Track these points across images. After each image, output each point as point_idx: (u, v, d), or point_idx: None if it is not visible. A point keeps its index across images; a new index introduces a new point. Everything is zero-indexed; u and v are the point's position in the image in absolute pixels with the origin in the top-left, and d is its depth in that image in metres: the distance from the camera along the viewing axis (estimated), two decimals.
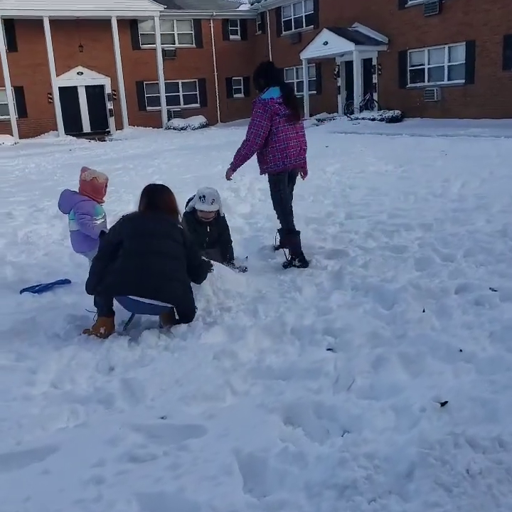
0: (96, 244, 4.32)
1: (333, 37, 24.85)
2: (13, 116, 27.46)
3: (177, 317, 3.98)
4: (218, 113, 33.12)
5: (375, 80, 25.53)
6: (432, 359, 3.15)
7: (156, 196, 4.12)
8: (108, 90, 30.45)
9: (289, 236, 5.25)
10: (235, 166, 5.18)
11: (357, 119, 23.37)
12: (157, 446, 2.53)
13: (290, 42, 29.55)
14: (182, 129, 29.65)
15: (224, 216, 5.35)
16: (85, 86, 29.98)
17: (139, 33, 30.89)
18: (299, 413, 2.74)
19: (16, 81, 27.66)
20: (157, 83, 30.44)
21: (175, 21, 31.59)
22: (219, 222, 5.24)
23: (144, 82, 31.20)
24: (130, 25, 30.41)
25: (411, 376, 3.03)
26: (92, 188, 4.83)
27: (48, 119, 28.65)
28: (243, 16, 33.48)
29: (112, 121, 30.54)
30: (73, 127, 29.34)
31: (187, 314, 3.93)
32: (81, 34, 28.77)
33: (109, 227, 4.53)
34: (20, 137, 27.45)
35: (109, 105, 30.52)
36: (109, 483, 2.28)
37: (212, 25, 32.19)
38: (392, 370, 3.09)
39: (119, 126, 30.10)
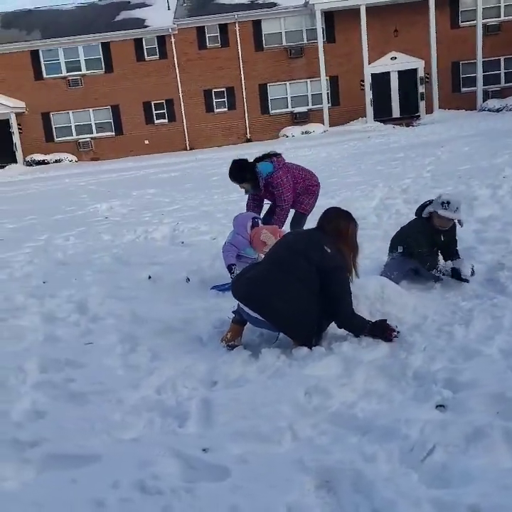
0: None
1: None
2: (325, 105, 28.98)
3: None
4: None
5: None
6: None
7: (325, 219, 3.92)
8: (421, 73, 29.71)
9: None
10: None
11: None
12: (173, 480, 2.44)
13: None
14: (498, 110, 27.27)
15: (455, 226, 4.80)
16: (398, 71, 29.77)
17: (459, 9, 29.27)
18: (337, 479, 2.34)
19: (331, 71, 29.02)
20: (475, 62, 28.54)
21: None
22: (451, 232, 4.76)
23: (461, 62, 29.55)
24: (450, 2, 29.03)
25: (493, 466, 2.31)
26: (257, 244, 5.00)
27: (359, 106, 29.41)
28: None
29: (422, 105, 29.85)
30: (383, 113, 29.56)
31: (297, 340, 3.65)
32: (396, 18, 28.60)
33: None
34: (331, 125, 28.84)
35: (421, 89, 29.81)
36: (104, 509, 2.31)
37: None
38: (486, 450, 2.40)
39: (430, 110, 29.23)
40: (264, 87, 30.12)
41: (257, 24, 29.48)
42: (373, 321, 3.74)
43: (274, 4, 29.30)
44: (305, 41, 29.54)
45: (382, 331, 3.64)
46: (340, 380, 3.20)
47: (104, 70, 29.69)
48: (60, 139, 30.13)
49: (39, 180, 21.52)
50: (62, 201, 14.09)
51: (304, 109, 30.15)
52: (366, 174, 12.12)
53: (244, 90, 29.98)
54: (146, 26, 29.29)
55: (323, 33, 28.61)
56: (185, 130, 30.05)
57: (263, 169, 5.48)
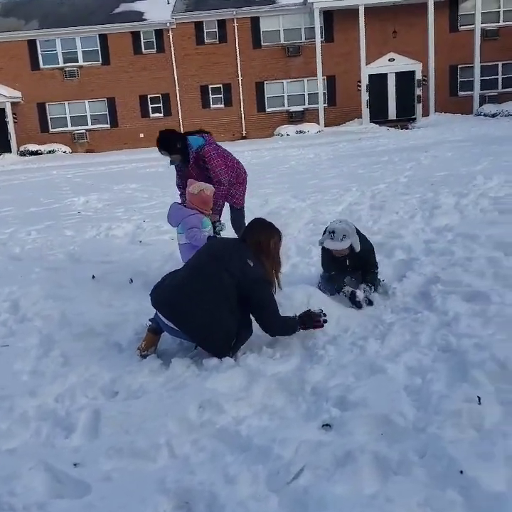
0: None
1: None
2: (321, 105, 28.86)
3: None
4: None
5: None
6: (421, 474, 2.30)
7: (248, 231, 3.87)
8: (418, 76, 29.59)
9: None
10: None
11: None
12: (33, 496, 2.39)
13: None
14: (493, 115, 27.14)
15: (370, 250, 4.63)
16: (395, 72, 29.65)
17: (459, 13, 29.12)
18: (195, 501, 2.29)
19: (329, 70, 28.90)
20: (472, 66, 28.40)
21: None
22: (360, 257, 4.53)
23: (458, 66, 29.42)
24: (449, 6, 28.87)
25: (355, 493, 2.26)
26: (200, 200, 4.82)
27: (355, 106, 29.31)
28: None
29: (418, 108, 29.73)
30: (379, 114, 29.46)
31: (211, 352, 3.60)
32: (395, 20, 28.46)
33: None
34: (326, 125, 28.73)
35: (418, 91, 29.69)
36: None
37: None
38: (353, 474, 2.35)
39: (426, 113, 29.10)
40: (260, 85, 30.01)
41: (255, 21, 29.35)
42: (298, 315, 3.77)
43: (273, 1, 29.17)
44: (303, 40, 29.43)
45: (310, 321, 3.71)
46: (239, 394, 3.15)
47: (101, 61, 29.60)
48: (55, 129, 30.06)
49: (28, 171, 21.47)
50: (42, 193, 14.06)
51: (300, 108, 30.05)
52: (345, 177, 12.04)
53: (240, 87, 29.87)
54: (144, 19, 29.19)
55: (321, 32, 28.48)
56: (181, 125, 29.92)
57: (193, 142, 5.34)
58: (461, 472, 2.32)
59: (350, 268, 4.57)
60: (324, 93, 29.30)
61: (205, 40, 29.48)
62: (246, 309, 3.67)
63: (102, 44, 29.37)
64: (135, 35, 29.29)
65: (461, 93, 29.67)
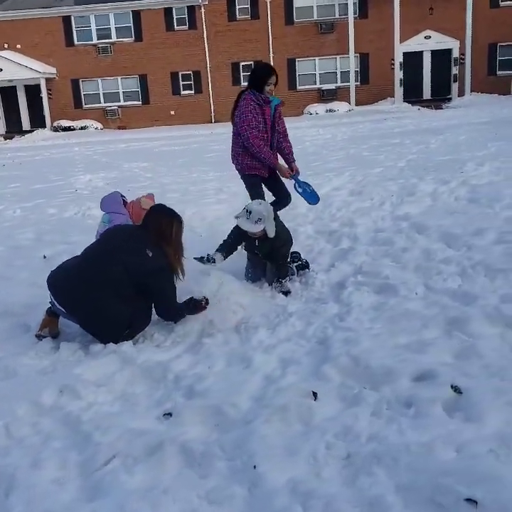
0: None
1: None
2: (352, 83, 28.35)
3: None
4: None
5: None
6: (222, 466, 2.33)
7: (148, 218, 3.92)
8: (455, 54, 28.63)
9: None
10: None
11: None
12: None
13: None
14: None
15: (284, 241, 4.55)
16: (431, 50, 28.76)
17: None
18: None
19: (362, 48, 28.31)
20: None
21: None
22: (273, 246, 4.46)
23: (498, 44, 28.31)
24: None
25: (149, 484, 2.32)
26: (138, 216, 4.55)
27: (388, 85, 28.66)
28: None
29: (454, 87, 28.85)
30: (414, 94, 28.74)
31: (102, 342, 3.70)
32: None
33: None
34: (357, 104, 28.23)
35: (455, 70, 28.78)
36: None
37: None
38: (157, 465, 2.41)
39: (461, 92, 28.23)
40: (292, 62, 29.63)
41: None
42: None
43: None
44: (337, 16, 28.80)
45: (194, 307, 3.84)
46: (103, 380, 3.22)
47: (133, 38, 29.75)
48: (88, 105, 30.51)
49: (53, 147, 21.92)
50: (56, 170, 14.36)
51: (331, 86, 29.56)
52: (348, 160, 11.88)
53: (272, 64, 29.52)
54: None
55: (355, 8, 27.84)
56: (211, 102, 29.96)
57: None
58: (255, 467, 2.35)
59: (258, 251, 4.55)
60: (356, 71, 28.75)
61: (237, 17, 29.22)
62: (145, 298, 3.73)
63: (134, 20, 29.48)
64: (167, 12, 29.27)
65: (499, 72, 28.58)
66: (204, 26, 29.18)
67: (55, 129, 29.08)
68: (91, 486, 2.37)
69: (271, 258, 4.54)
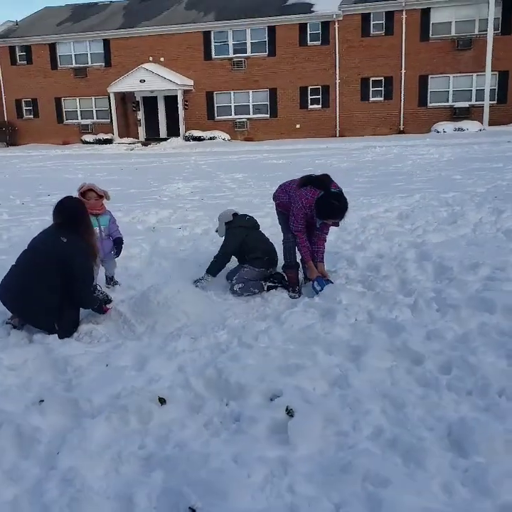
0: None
1: None
2: (487, 101, 26.90)
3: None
4: None
5: None
6: None
7: (59, 209, 4.28)
8: None
9: None
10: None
11: None
12: None
13: None
14: None
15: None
16: None
17: None
18: None
19: (502, 65, 26.81)
20: None
21: None
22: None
23: None
24: None
25: None
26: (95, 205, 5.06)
27: None
28: None
29: None
30: None
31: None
32: None
33: None
34: (491, 124, 26.72)
35: None
36: None
37: None
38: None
39: None
40: (424, 79, 28.77)
41: (425, 12, 28.14)
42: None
43: None
44: (476, 32, 27.52)
45: (100, 308, 4.35)
46: (13, 370, 3.54)
47: (267, 53, 30.65)
48: (219, 117, 31.91)
49: (175, 155, 23.29)
50: (160, 177, 15.29)
51: (465, 104, 28.24)
52: (431, 182, 11.48)
53: (403, 80, 28.94)
54: (312, 11, 29.57)
55: (496, 23, 26.42)
56: (337, 117, 29.98)
57: None
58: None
59: None
60: (493, 89, 27.23)
61: (371, 32, 29.01)
62: (71, 288, 4.10)
63: (270, 36, 30.38)
64: (302, 27, 29.82)
65: None
66: (336, 41, 29.32)
67: (187, 139, 30.76)
68: None
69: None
